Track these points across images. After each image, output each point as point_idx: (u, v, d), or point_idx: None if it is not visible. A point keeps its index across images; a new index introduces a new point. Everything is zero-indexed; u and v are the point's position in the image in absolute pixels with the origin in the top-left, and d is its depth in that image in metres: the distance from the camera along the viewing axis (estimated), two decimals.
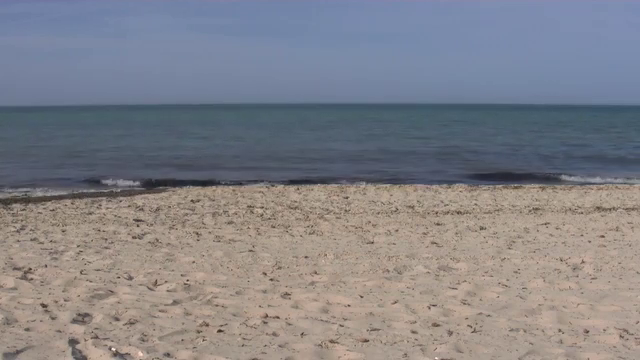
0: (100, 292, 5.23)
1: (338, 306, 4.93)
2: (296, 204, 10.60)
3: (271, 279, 5.75)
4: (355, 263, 6.40)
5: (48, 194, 12.04)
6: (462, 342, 4.13)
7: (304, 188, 12.92)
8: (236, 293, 5.27)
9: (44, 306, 4.84)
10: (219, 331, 4.32)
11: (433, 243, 7.43)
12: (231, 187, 13.14)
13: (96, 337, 4.16)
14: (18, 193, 12.24)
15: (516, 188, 13.29)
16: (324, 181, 15.74)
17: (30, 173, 18.10)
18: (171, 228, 8.40)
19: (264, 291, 5.32)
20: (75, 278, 5.70)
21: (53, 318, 4.57)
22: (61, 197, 11.43)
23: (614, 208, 10.23)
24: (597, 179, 17.43)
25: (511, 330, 4.36)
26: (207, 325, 4.42)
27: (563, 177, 18.13)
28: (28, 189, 13.64)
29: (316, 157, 24.47)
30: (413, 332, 4.31)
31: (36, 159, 23.35)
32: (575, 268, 6.19)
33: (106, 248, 7.09)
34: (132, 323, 4.46)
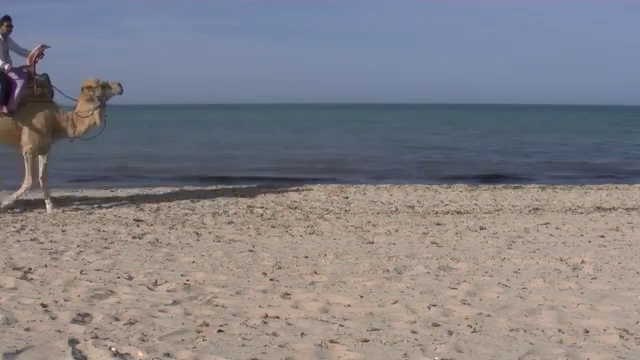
0: (100, 292, 5.23)
1: (338, 306, 4.93)
2: (296, 204, 10.60)
3: (271, 279, 5.75)
4: (355, 263, 6.40)
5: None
6: (462, 342, 4.14)
7: (304, 188, 12.92)
8: (236, 293, 5.27)
9: (44, 306, 4.85)
10: (219, 331, 4.33)
11: (433, 243, 7.44)
12: (231, 187, 13.14)
13: (96, 337, 4.17)
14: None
15: (516, 188, 13.29)
16: (323, 181, 15.72)
17: None
18: (171, 228, 8.40)
19: (264, 291, 5.32)
20: (75, 278, 5.70)
21: (53, 318, 4.57)
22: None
23: (614, 208, 10.23)
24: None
25: (511, 330, 4.37)
26: (207, 325, 4.43)
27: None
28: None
29: (315, 157, 24.45)
30: (413, 332, 4.32)
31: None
32: (575, 268, 6.19)
33: (106, 248, 7.10)
34: (132, 323, 4.47)
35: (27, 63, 10.00)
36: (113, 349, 3.95)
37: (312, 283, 5.62)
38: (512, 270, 6.11)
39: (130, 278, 5.77)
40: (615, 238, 7.75)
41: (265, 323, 4.50)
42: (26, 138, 9.92)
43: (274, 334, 4.29)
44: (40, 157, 9.99)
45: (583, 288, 5.47)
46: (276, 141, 33.55)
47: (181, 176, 17.50)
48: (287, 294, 5.24)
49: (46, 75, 10.10)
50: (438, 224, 8.69)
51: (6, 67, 9.82)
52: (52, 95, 10.17)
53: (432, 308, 4.85)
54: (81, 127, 10.16)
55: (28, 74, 9.93)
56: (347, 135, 39.48)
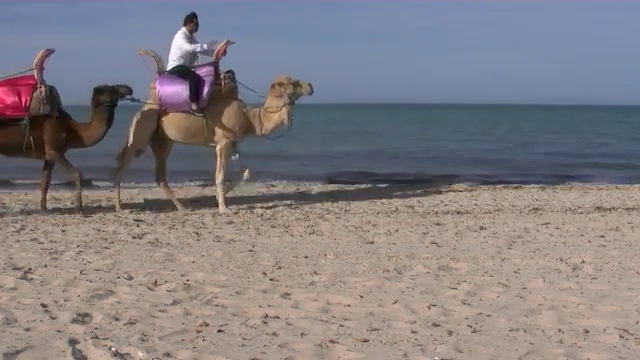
0: (100, 292, 5.23)
1: (338, 306, 4.93)
2: (296, 204, 10.59)
3: (271, 279, 5.75)
4: (355, 263, 6.40)
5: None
6: (462, 342, 4.14)
7: (304, 188, 12.92)
8: (236, 293, 5.27)
9: (44, 306, 4.85)
10: (219, 331, 4.33)
11: (433, 243, 7.44)
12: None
13: (96, 337, 4.17)
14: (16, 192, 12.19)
15: (516, 188, 13.29)
16: (323, 181, 15.71)
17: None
18: (171, 228, 8.41)
19: (264, 291, 5.33)
20: (75, 278, 5.70)
21: (53, 318, 4.58)
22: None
23: (614, 208, 10.23)
24: None
25: (511, 330, 4.37)
26: (207, 325, 4.43)
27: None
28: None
29: (313, 156, 24.42)
30: (413, 332, 4.32)
31: None
32: (575, 268, 6.19)
33: (106, 248, 7.10)
34: (132, 323, 4.47)
35: (213, 59, 9.98)
36: (113, 349, 3.95)
37: (312, 283, 5.63)
38: (512, 270, 6.11)
39: (130, 278, 5.77)
40: (615, 238, 7.75)
41: (265, 323, 4.50)
42: (218, 136, 9.90)
43: (274, 334, 4.29)
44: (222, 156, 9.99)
45: (583, 288, 5.47)
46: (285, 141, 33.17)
47: (180, 176, 17.47)
48: (287, 294, 5.24)
49: (232, 71, 10.05)
50: (438, 224, 8.69)
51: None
52: (237, 91, 10.12)
53: (432, 308, 4.85)
54: (268, 125, 10.10)
55: (215, 71, 9.91)
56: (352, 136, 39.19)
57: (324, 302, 5.02)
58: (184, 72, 9.81)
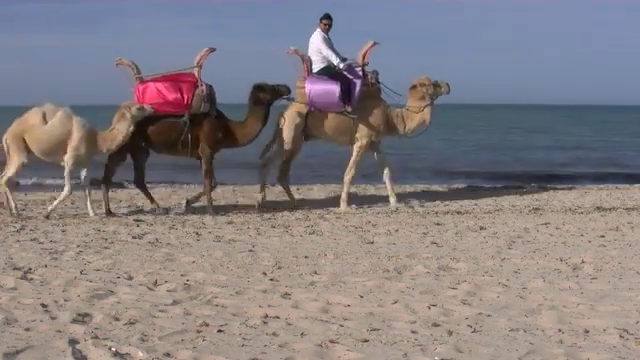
0: (100, 292, 5.24)
1: (338, 306, 4.94)
2: (296, 204, 10.59)
3: (271, 279, 5.76)
4: (355, 263, 6.40)
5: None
6: (462, 342, 4.14)
7: (304, 188, 12.91)
8: (236, 293, 5.28)
9: (44, 306, 4.86)
10: (219, 331, 4.34)
11: (433, 243, 7.44)
12: (231, 187, 13.12)
13: (96, 337, 4.17)
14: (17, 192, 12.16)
15: (516, 188, 13.29)
16: (324, 181, 15.69)
17: None
18: (171, 228, 8.41)
19: (264, 291, 5.33)
20: (75, 278, 5.70)
21: (53, 318, 4.58)
22: None
23: (614, 208, 10.22)
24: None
25: (511, 330, 4.37)
26: (207, 325, 4.44)
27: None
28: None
29: (312, 156, 24.32)
30: (413, 332, 4.32)
31: None
32: (575, 268, 6.19)
33: (106, 248, 7.10)
34: (132, 323, 4.48)
35: (359, 61, 10.01)
36: (113, 349, 3.95)
37: (312, 283, 5.63)
38: (512, 270, 6.12)
39: (130, 278, 5.77)
40: (615, 238, 7.75)
41: (265, 323, 4.51)
42: (362, 133, 9.98)
43: (274, 334, 4.29)
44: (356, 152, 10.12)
45: (583, 288, 5.47)
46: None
47: (176, 177, 17.45)
48: (287, 294, 5.24)
49: (376, 72, 10.11)
50: (438, 224, 8.69)
51: (341, 65, 9.83)
52: (382, 92, 10.19)
53: (432, 308, 4.85)
54: (411, 124, 10.22)
55: (363, 72, 9.97)
56: None
57: (324, 302, 5.03)
58: (334, 73, 9.84)
